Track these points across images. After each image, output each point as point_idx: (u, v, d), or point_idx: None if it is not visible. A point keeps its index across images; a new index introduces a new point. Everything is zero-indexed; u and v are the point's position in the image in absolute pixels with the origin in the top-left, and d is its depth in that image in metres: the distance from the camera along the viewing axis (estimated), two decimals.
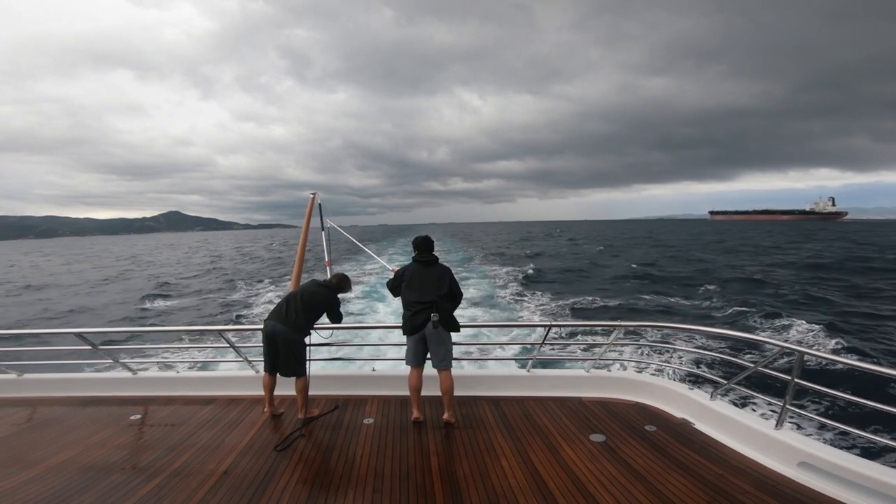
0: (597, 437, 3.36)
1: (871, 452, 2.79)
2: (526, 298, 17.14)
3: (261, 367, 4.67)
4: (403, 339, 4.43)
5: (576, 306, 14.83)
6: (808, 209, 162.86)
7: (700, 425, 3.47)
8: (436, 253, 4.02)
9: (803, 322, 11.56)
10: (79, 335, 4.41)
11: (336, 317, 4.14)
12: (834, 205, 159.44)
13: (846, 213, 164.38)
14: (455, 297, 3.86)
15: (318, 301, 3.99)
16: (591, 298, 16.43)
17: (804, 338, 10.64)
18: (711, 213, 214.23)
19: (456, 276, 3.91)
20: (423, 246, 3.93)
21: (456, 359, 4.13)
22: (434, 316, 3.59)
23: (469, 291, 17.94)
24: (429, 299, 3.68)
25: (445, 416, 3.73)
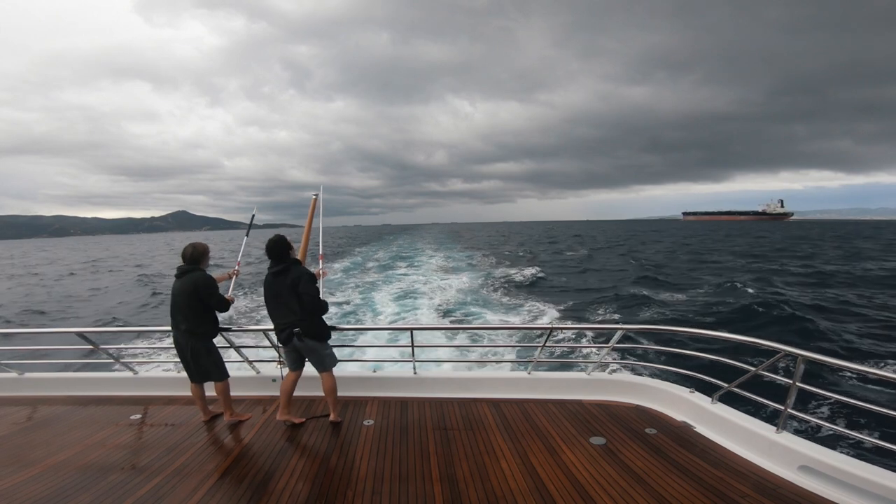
0: (597, 440, 3.35)
1: (871, 456, 2.78)
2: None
3: (261, 367, 4.67)
4: (405, 339, 4.44)
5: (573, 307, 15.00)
6: (760, 210, 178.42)
7: (700, 428, 3.46)
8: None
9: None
10: (80, 334, 4.41)
11: (218, 299, 3.70)
12: (783, 206, 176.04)
13: (792, 214, 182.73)
14: (307, 305, 3.53)
15: (186, 292, 3.63)
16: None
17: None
18: (684, 213, 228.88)
19: (310, 275, 3.58)
20: (270, 252, 3.58)
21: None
22: (297, 330, 3.54)
23: (470, 291, 18.59)
24: (284, 316, 3.55)
25: (331, 416, 3.78)
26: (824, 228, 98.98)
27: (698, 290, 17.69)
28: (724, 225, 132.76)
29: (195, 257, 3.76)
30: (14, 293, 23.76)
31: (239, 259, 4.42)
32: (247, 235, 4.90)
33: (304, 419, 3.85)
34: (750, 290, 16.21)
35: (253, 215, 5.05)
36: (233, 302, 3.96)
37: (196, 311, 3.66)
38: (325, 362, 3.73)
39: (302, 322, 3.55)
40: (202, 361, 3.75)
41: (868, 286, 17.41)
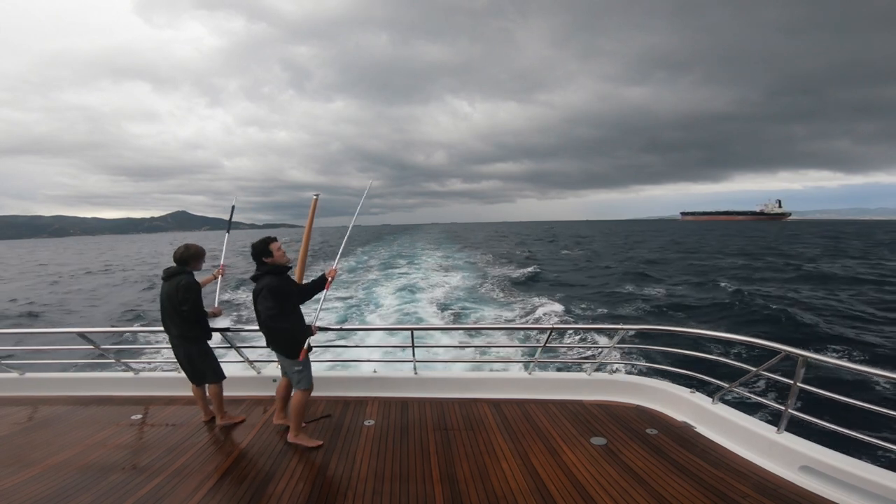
0: (598, 440, 3.35)
1: (872, 456, 2.77)
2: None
3: (262, 367, 4.66)
4: (405, 339, 4.43)
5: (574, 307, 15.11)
6: (758, 210, 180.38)
7: (701, 429, 3.45)
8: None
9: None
10: (81, 335, 4.41)
11: (190, 307, 3.50)
12: (780, 207, 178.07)
13: (790, 214, 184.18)
14: (264, 314, 3.20)
15: (172, 296, 3.53)
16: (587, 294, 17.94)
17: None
18: (682, 213, 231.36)
19: (272, 288, 3.21)
20: (252, 255, 3.34)
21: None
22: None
23: (468, 288, 19.51)
24: (261, 321, 3.31)
25: (289, 436, 3.47)
26: (818, 228, 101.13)
27: (679, 286, 18.76)
28: (721, 225, 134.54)
29: (184, 258, 3.64)
30: (38, 291, 24.40)
31: (223, 259, 4.23)
32: (227, 232, 4.64)
33: (304, 424, 3.77)
34: (728, 287, 17.30)
35: (233, 207, 4.73)
36: (218, 314, 3.77)
37: (183, 315, 3.56)
38: (296, 379, 3.46)
39: (266, 332, 3.35)
40: (197, 365, 3.72)
41: (838, 282, 18.67)
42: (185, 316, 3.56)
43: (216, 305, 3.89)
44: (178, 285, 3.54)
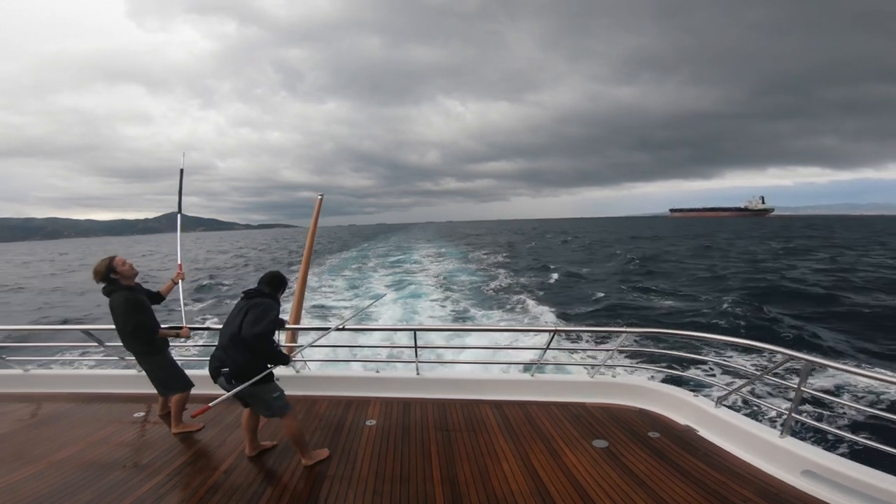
0: (599, 443, 3.35)
1: (874, 460, 2.76)
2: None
3: None
4: (407, 340, 4.41)
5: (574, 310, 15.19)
6: (743, 206, 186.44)
7: (704, 432, 3.44)
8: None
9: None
10: (85, 332, 4.43)
11: (131, 328, 3.37)
12: (763, 203, 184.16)
13: (773, 210, 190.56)
14: (246, 336, 2.82)
15: (118, 315, 3.38)
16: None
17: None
18: (671, 210, 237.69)
19: (261, 311, 2.90)
20: (268, 282, 3.16)
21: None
22: (224, 370, 2.90)
23: (458, 270, 23.52)
24: (221, 344, 2.97)
25: (303, 461, 3.14)
26: (790, 223, 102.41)
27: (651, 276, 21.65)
28: (705, 221, 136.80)
29: (106, 275, 3.34)
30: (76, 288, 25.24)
31: (179, 259, 3.97)
32: (179, 212, 4.25)
33: (276, 442, 3.42)
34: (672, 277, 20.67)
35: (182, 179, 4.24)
36: (187, 337, 3.63)
37: (126, 333, 3.45)
38: (273, 406, 3.05)
39: (230, 362, 2.88)
40: (159, 379, 3.64)
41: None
42: (129, 331, 3.44)
43: (184, 325, 3.68)
44: (119, 303, 3.38)
